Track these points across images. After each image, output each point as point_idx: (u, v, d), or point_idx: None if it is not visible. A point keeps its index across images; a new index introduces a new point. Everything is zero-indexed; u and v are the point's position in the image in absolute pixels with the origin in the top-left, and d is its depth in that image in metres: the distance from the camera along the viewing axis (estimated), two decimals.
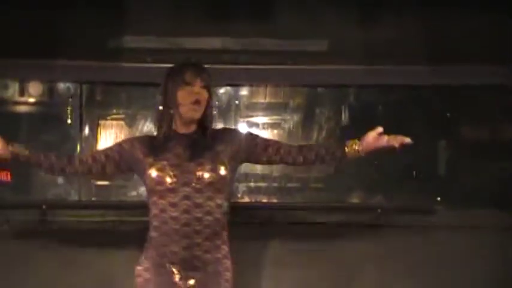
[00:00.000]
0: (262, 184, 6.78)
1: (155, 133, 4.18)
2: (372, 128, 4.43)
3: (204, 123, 4.09)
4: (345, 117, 6.84)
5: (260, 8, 6.21)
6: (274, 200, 6.72)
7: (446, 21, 6.23)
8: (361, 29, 6.25)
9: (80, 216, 6.24)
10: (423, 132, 6.63)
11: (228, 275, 4.11)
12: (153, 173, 3.94)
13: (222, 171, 3.98)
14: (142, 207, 6.46)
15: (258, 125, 6.85)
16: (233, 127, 4.22)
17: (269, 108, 6.89)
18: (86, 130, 6.72)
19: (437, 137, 6.72)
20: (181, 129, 4.06)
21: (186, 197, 3.91)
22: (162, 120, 4.06)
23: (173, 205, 3.91)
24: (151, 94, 6.76)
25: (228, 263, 4.11)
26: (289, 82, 6.54)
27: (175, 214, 3.91)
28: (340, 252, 6.08)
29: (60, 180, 6.70)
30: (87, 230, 6.14)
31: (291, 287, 6.06)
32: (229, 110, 6.77)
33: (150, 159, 4.00)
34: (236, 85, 6.69)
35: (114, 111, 6.85)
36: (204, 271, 3.99)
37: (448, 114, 6.67)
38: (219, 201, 3.98)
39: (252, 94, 6.86)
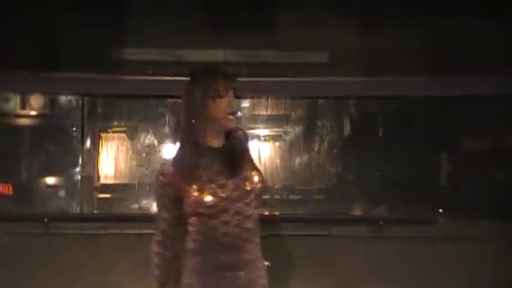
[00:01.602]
0: (264, 196, 6.77)
1: (178, 147, 3.90)
2: None
3: (232, 132, 3.92)
4: (346, 128, 6.85)
5: (261, 20, 6.23)
6: (277, 212, 6.71)
7: (446, 33, 6.25)
8: (361, 40, 6.27)
9: (82, 228, 6.24)
10: (424, 143, 6.64)
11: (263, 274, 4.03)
12: (207, 197, 3.73)
13: (263, 179, 3.92)
14: (144, 219, 6.55)
15: (260, 137, 6.85)
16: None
17: (270, 120, 6.90)
18: (88, 142, 6.73)
19: (438, 148, 6.72)
20: (212, 143, 3.83)
21: (238, 213, 3.85)
22: (192, 134, 3.78)
23: (225, 223, 3.80)
24: (152, 106, 6.79)
25: (262, 262, 4.03)
26: (290, 94, 6.55)
27: (227, 230, 3.80)
28: (342, 264, 6.08)
29: (61, 193, 6.71)
30: (90, 243, 6.14)
31: None
32: None
33: (193, 186, 3.75)
34: (237, 97, 6.68)
35: (116, 123, 6.86)
36: (246, 270, 3.90)
37: (449, 125, 6.68)
38: (259, 209, 3.91)
39: (253, 106, 6.87)
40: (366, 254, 6.11)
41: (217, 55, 6.33)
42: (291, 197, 6.84)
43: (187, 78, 3.83)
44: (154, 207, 6.72)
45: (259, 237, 3.94)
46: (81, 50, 6.20)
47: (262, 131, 6.88)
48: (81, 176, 6.72)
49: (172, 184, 3.76)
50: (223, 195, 3.75)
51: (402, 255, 6.13)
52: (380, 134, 6.84)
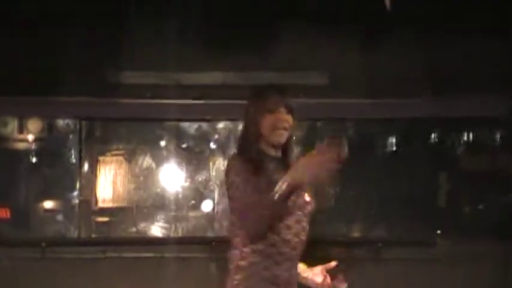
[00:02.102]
0: None
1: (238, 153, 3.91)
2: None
3: (287, 146, 3.99)
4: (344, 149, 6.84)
5: (260, 42, 6.24)
6: None
7: (447, 54, 6.28)
8: (361, 62, 6.29)
9: (80, 253, 6.22)
10: (423, 164, 6.65)
11: None
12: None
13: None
14: (142, 243, 6.54)
15: None
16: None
17: None
18: (86, 166, 6.71)
19: (437, 169, 6.73)
20: (271, 151, 3.90)
21: (298, 221, 3.89)
22: (250, 142, 3.87)
23: (288, 228, 3.84)
24: (150, 129, 6.78)
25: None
26: None
27: (288, 237, 3.84)
28: None
29: (59, 217, 6.69)
30: (88, 267, 6.13)
31: None
32: (229, 143, 6.77)
33: (265, 181, 3.76)
34: (237, 120, 6.70)
35: (114, 146, 6.84)
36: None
37: (447, 146, 6.70)
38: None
39: None
40: (365, 276, 6.09)
41: (215, 78, 6.34)
42: None
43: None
44: (152, 231, 6.76)
45: None
46: (79, 74, 6.21)
47: None
48: (79, 200, 6.69)
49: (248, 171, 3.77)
50: (306, 197, 3.82)
51: (401, 277, 6.12)
52: (379, 155, 6.85)
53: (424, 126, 6.73)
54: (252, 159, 3.82)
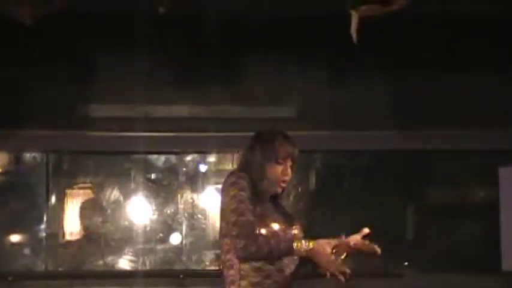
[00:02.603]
0: None
1: None
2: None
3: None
4: (311, 181, 6.87)
5: (229, 76, 6.28)
6: None
7: (411, 87, 6.35)
8: (328, 94, 6.34)
9: (47, 286, 6.18)
10: (390, 196, 6.68)
11: None
12: (262, 229, 3.70)
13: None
14: (109, 276, 6.50)
15: None
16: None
17: None
18: (53, 199, 6.68)
19: (405, 201, 6.76)
20: (268, 190, 3.83)
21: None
22: (252, 179, 3.78)
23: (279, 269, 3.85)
24: (118, 162, 6.76)
25: None
26: None
27: (279, 279, 3.84)
28: None
29: (26, 250, 6.64)
30: None
31: None
32: (197, 176, 6.77)
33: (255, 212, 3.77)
34: (205, 152, 6.72)
35: (81, 179, 6.81)
36: None
37: (415, 178, 6.73)
38: None
39: (219, 161, 6.87)
40: None
41: (183, 110, 6.36)
42: None
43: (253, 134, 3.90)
44: (119, 264, 6.72)
45: None
46: (46, 107, 6.20)
47: None
48: (46, 233, 6.64)
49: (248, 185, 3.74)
50: (276, 228, 3.75)
51: None
52: (346, 187, 6.87)
53: (392, 159, 6.77)
54: (256, 186, 3.77)
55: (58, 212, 6.69)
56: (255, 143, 3.88)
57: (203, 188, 6.76)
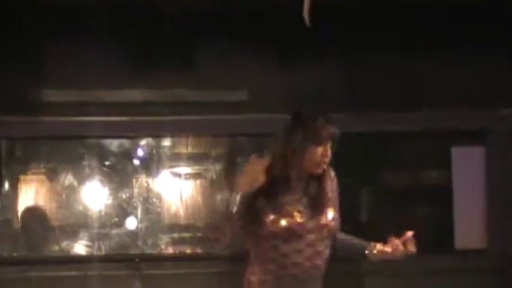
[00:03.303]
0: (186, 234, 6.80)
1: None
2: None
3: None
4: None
5: (181, 60, 6.28)
6: (199, 250, 6.72)
7: (363, 70, 6.40)
8: (281, 77, 6.36)
9: (1, 273, 6.15)
10: (342, 179, 6.71)
11: None
12: (282, 221, 3.77)
13: (337, 219, 3.98)
14: (65, 261, 6.48)
15: (181, 176, 6.86)
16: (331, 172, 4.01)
17: (191, 159, 6.91)
18: (6, 185, 6.64)
19: (358, 183, 6.80)
20: (301, 176, 3.88)
21: (311, 245, 3.81)
22: (280, 165, 3.83)
23: (298, 252, 3.79)
24: (72, 147, 6.74)
25: None
26: (210, 132, 6.59)
27: (298, 260, 3.80)
28: None
29: None
30: (9, 286, 6.05)
31: None
32: (152, 160, 6.77)
33: (271, 205, 3.81)
34: (159, 136, 6.71)
35: (35, 165, 6.78)
36: None
37: (368, 161, 6.77)
38: (329, 250, 3.91)
39: (174, 145, 6.88)
40: None
41: (136, 95, 6.34)
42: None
43: (291, 116, 3.90)
44: (75, 249, 6.71)
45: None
46: None
47: (183, 169, 6.88)
48: (0, 219, 6.61)
49: (255, 199, 3.78)
50: (299, 220, 3.78)
51: None
52: None
53: (344, 141, 6.81)
54: (275, 182, 3.80)
55: (12, 198, 6.66)
56: (295, 126, 3.86)
57: (158, 172, 6.77)
